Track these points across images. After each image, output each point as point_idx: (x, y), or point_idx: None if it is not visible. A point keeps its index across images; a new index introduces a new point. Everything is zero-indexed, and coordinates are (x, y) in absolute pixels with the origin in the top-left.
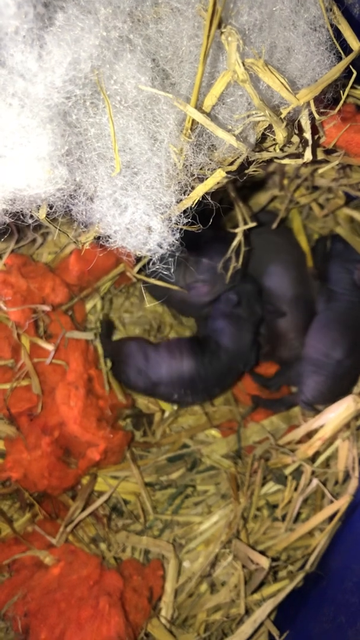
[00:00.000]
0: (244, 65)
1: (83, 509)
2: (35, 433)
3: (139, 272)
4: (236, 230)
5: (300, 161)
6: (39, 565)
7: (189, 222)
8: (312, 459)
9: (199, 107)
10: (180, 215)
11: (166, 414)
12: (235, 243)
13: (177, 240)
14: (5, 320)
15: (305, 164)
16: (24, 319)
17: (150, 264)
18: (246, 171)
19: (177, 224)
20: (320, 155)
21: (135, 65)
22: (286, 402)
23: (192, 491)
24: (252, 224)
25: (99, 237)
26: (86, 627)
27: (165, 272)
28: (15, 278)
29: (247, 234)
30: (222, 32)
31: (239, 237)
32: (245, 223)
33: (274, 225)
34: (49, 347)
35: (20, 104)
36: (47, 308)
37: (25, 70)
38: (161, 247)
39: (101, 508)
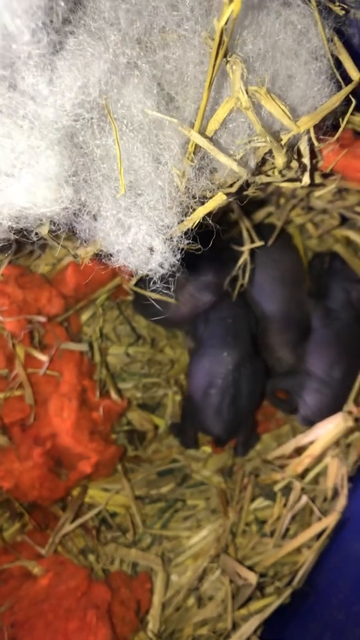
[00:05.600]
0: (247, 92)
1: (73, 521)
2: (28, 443)
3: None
4: (243, 249)
5: (298, 185)
6: (27, 575)
7: (189, 242)
8: (302, 475)
9: (202, 132)
10: (182, 236)
11: (159, 431)
12: (241, 261)
13: (178, 260)
14: (0, 330)
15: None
16: (19, 329)
17: (151, 282)
18: (245, 193)
19: (178, 245)
20: (318, 179)
21: (142, 90)
22: (289, 404)
23: (182, 505)
24: (259, 243)
25: (98, 253)
26: (73, 639)
27: (166, 291)
28: (11, 288)
29: (252, 251)
30: (227, 61)
31: (246, 255)
32: (252, 241)
33: (270, 242)
34: (43, 357)
35: (30, 125)
36: (42, 319)
37: (36, 94)
38: (162, 267)
39: (91, 520)
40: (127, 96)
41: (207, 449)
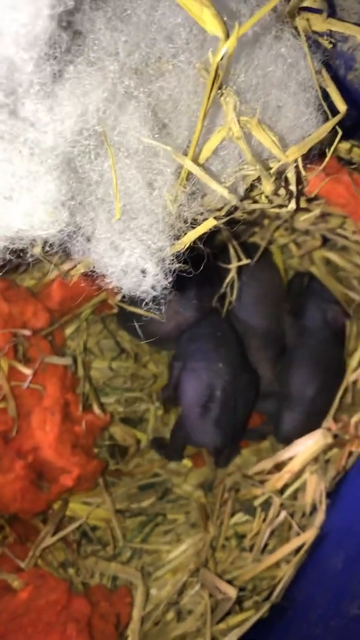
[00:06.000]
0: (239, 123)
1: (53, 534)
2: (10, 456)
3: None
4: (230, 266)
5: (284, 210)
6: (6, 588)
7: (180, 265)
8: (281, 491)
9: (195, 160)
10: (173, 259)
11: (141, 445)
12: (229, 279)
13: (169, 283)
14: None
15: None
16: (3, 342)
17: (143, 303)
18: (232, 216)
19: (170, 267)
20: (303, 204)
21: (138, 118)
22: (260, 432)
23: (162, 520)
24: (246, 261)
25: (87, 272)
26: None
27: (152, 308)
28: None
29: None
30: (221, 94)
31: (233, 273)
32: (239, 259)
33: (253, 261)
34: (27, 371)
35: (30, 151)
36: (27, 332)
37: (36, 121)
38: (154, 290)
39: (71, 533)
40: (123, 124)
41: (188, 463)
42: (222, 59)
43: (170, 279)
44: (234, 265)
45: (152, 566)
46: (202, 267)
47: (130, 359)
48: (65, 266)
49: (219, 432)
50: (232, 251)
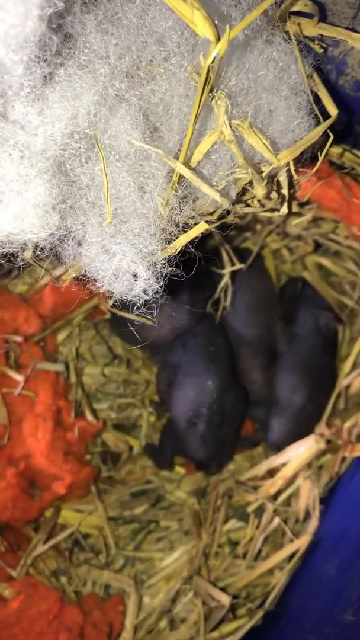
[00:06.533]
0: (230, 126)
1: (45, 542)
2: (1, 464)
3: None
4: (224, 271)
5: (277, 214)
6: None
7: (172, 269)
8: (274, 497)
9: (186, 163)
10: (165, 263)
11: (134, 452)
12: (222, 284)
13: (160, 287)
14: None
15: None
16: None
17: (134, 308)
18: (225, 220)
19: (161, 271)
20: (295, 208)
21: (129, 121)
22: (252, 439)
23: (155, 527)
24: (239, 266)
25: (78, 276)
26: None
27: (144, 313)
28: None
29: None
30: (212, 97)
31: (227, 278)
32: (233, 264)
33: (246, 267)
34: (19, 377)
35: (20, 154)
36: (19, 339)
37: (26, 124)
38: (146, 294)
39: (63, 541)
40: (114, 127)
41: (181, 470)
42: (213, 61)
43: (161, 283)
44: (227, 270)
45: (145, 574)
46: (194, 271)
47: (122, 365)
48: (57, 271)
49: (204, 447)
50: (225, 256)
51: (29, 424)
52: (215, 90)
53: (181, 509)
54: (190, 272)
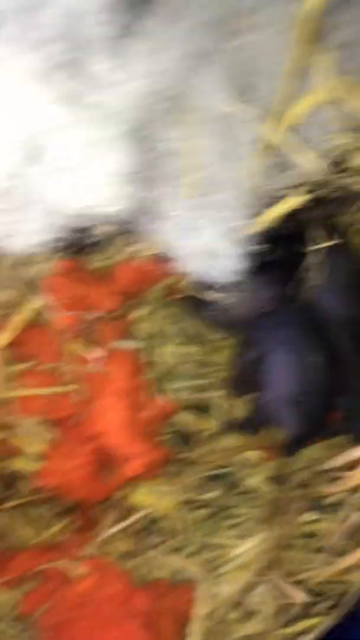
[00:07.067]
0: (332, 86)
1: (116, 523)
2: (74, 442)
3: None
4: (316, 248)
5: None
6: (67, 577)
7: (259, 247)
8: (356, 490)
9: (278, 128)
10: (250, 241)
11: (210, 432)
12: (312, 261)
13: (243, 267)
14: (51, 325)
15: None
16: (71, 325)
17: (216, 287)
18: (319, 192)
19: (245, 249)
20: None
21: (216, 80)
22: (335, 427)
23: (229, 513)
24: (331, 242)
25: (156, 254)
26: None
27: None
28: (64, 283)
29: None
30: (313, 51)
31: (318, 256)
32: (324, 241)
33: (338, 243)
34: (94, 355)
35: (93, 117)
36: (94, 315)
37: (101, 82)
38: (227, 275)
39: (134, 523)
40: (199, 87)
41: (259, 454)
42: (313, 8)
43: (245, 263)
44: (318, 247)
45: (217, 562)
46: (282, 248)
47: (198, 345)
48: (133, 247)
49: (305, 425)
50: (317, 232)
51: (102, 402)
52: (316, 43)
53: (257, 496)
54: (277, 249)
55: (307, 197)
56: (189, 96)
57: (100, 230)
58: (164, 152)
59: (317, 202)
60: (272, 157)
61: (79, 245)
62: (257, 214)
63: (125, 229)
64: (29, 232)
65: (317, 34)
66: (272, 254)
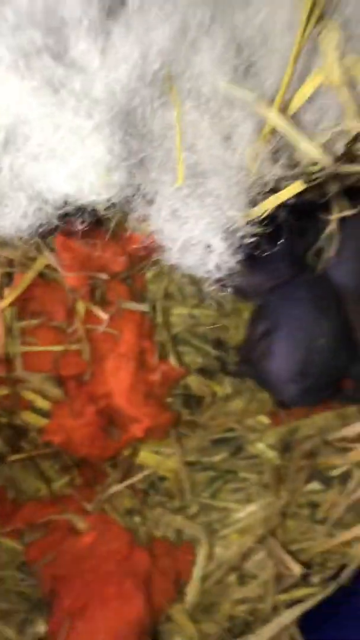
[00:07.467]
0: (341, 65)
1: (121, 481)
2: (82, 400)
3: None
4: (331, 217)
5: None
6: (71, 530)
7: (257, 239)
8: None
9: (282, 111)
10: (247, 232)
11: (219, 396)
12: (328, 231)
13: (239, 262)
14: (62, 284)
15: None
16: (80, 285)
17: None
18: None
19: (242, 241)
20: None
21: (214, 59)
22: (347, 396)
23: (233, 477)
24: (349, 211)
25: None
26: (109, 605)
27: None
28: (75, 243)
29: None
30: (321, 27)
31: (334, 225)
32: (341, 209)
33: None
34: (104, 315)
35: (78, 102)
36: (105, 276)
37: (85, 65)
38: (220, 270)
39: (139, 482)
40: (196, 66)
41: (266, 420)
42: None
43: (240, 257)
44: (335, 216)
45: (219, 524)
46: (297, 217)
47: (212, 308)
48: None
49: (304, 398)
50: (336, 202)
51: (111, 363)
52: (325, 18)
53: (262, 462)
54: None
55: (312, 184)
56: (184, 77)
57: (89, 218)
58: (157, 136)
59: (334, 176)
60: (275, 142)
61: (69, 232)
62: (256, 202)
63: (116, 217)
64: (15, 217)
65: (328, 7)
66: (288, 223)
